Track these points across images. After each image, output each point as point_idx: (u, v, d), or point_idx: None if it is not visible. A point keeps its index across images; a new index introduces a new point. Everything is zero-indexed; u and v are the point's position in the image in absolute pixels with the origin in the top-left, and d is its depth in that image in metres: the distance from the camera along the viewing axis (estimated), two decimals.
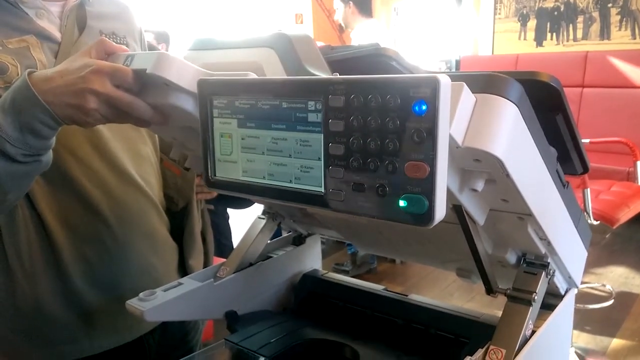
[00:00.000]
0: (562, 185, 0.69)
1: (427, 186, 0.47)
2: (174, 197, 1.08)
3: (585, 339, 2.55)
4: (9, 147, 0.71)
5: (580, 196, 2.27)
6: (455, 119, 0.50)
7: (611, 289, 3.00)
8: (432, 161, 0.46)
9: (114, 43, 0.73)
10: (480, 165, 0.55)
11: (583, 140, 0.74)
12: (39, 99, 0.69)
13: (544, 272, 0.71)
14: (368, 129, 0.49)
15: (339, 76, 0.51)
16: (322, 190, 0.54)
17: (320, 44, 0.77)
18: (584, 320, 2.68)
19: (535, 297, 0.69)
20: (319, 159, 0.54)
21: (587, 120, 4.25)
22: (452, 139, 0.50)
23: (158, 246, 1.02)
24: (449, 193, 0.54)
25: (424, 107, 0.45)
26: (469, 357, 0.63)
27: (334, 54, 0.71)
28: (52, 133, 0.73)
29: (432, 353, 0.79)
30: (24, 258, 0.88)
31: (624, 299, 2.92)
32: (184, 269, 1.08)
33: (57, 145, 0.84)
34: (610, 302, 2.83)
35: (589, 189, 2.25)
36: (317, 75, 0.64)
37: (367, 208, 0.51)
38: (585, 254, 0.82)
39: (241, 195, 0.63)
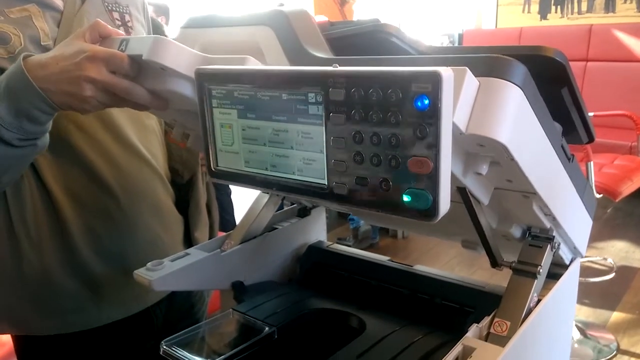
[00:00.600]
0: (568, 159, 0.69)
1: (431, 181, 0.47)
2: (179, 169, 1.08)
3: (585, 313, 2.58)
4: (5, 131, 0.70)
5: (583, 169, 2.27)
6: (459, 106, 0.49)
7: (612, 263, 3.02)
8: (435, 157, 0.46)
9: (109, 26, 0.72)
10: (484, 149, 0.55)
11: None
12: (34, 85, 0.68)
13: (549, 246, 0.71)
14: (370, 123, 0.48)
15: (338, 68, 0.50)
16: (325, 183, 0.54)
17: (322, 17, 0.76)
18: (584, 294, 2.70)
19: (541, 270, 0.69)
20: (321, 151, 0.53)
21: (590, 94, 4.22)
22: (455, 127, 0.49)
23: (164, 217, 1.02)
24: (453, 177, 0.54)
25: (426, 102, 0.45)
26: (476, 324, 0.64)
27: (333, 30, 0.70)
28: (48, 118, 0.73)
29: (438, 322, 0.80)
30: (30, 227, 0.88)
31: (624, 273, 2.94)
32: (189, 241, 1.09)
33: (61, 117, 0.84)
34: (611, 275, 2.85)
35: (592, 162, 2.25)
36: (316, 56, 0.63)
37: (371, 202, 0.51)
38: (591, 222, 0.82)
39: (244, 186, 0.62)
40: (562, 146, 0.67)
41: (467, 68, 0.50)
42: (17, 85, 0.69)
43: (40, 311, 0.93)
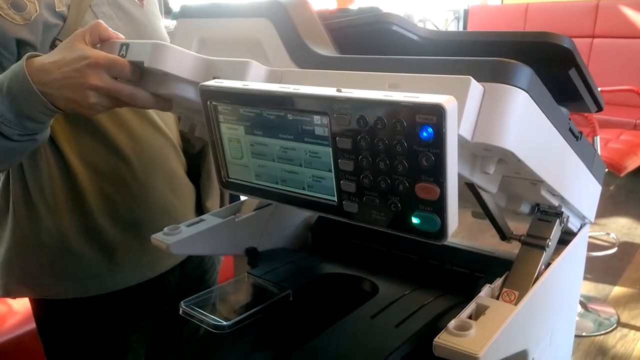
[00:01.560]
0: (575, 139, 0.68)
1: (439, 206, 0.48)
2: (191, 138, 1.09)
3: (587, 287, 2.60)
4: (5, 128, 0.71)
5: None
6: (464, 117, 0.49)
7: (615, 238, 3.04)
8: (442, 184, 0.46)
9: (109, 28, 0.72)
10: (491, 153, 0.55)
11: None
12: (35, 91, 0.68)
13: (558, 220, 0.72)
14: (376, 149, 0.49)
15: (343, 93, 0.50)
16: (335, 200, 0.55)
17: None
18: (586, 269, 2.69)
19: (549, 243, 0.70)
20: (330, 170, 0.53)
21: (597, 70, 4.19)
22: (461, 137, 0.49)
23: (176, 186, 1.03)
24: (460, 176, 0.53)
25: (430, 132, 0.45)
26: (488, 285, 0.65)
27: (334, 20, 0.69)
28: (49, 118, 0.74)
29: (449, 287, 0.81)
30: (47, 195, 0.90)
31: (626, 249, 2.96)
32: (200, 210, 1.10)
33: None
34: (614, 250, 2.87)
35: (598, 137, 2.25)
36: (318, 54, 0.63)
37: (381, 221, 0.52)
38: (600, 188, 0.83)
39: (256, 198, 0.62)
40: (570, 129, 0.66)
41: (471, 78, 0.49)
42: (19, 88, 0.69)
43: (57, 276, 0.95)
